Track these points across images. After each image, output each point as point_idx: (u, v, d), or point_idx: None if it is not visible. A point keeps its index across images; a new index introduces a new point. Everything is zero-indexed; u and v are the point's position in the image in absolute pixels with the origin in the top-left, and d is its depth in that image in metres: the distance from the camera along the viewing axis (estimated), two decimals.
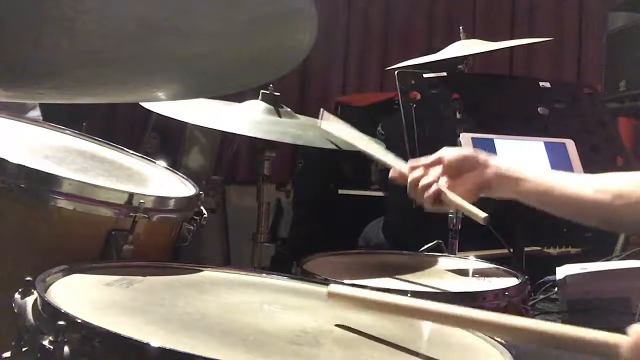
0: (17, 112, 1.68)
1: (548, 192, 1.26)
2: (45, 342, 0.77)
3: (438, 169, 1.30)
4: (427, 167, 1.31)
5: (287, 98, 1.81)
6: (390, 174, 1.37)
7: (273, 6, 0.96)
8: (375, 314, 1.02)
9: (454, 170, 1.29)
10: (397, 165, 1.38)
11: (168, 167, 1.63)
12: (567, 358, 1.08)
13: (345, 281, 1.36)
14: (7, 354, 0.85)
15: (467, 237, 2.06)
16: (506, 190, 1.29)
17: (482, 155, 1.31)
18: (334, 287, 1.01)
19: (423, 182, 1.28)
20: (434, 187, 1.27)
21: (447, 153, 1.31)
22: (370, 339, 0.94)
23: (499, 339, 0.96)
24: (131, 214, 1.24)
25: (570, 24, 4.50)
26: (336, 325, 0.98)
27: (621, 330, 0.78)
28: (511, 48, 4.22)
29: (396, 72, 2.12)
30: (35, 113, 2.40)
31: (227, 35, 0.97)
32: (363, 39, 4.52)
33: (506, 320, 0.85)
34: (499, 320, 0.86)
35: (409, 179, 1.31)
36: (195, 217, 1.43)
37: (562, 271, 1.89)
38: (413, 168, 1.32)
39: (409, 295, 1.33)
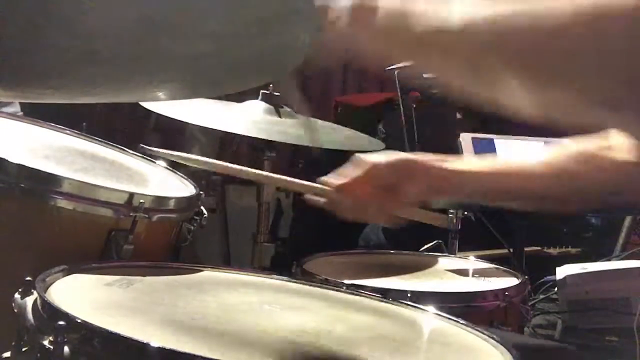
0: None
1: (523, 172, 1.19)
2: (45, 342, 0.77)
3: (367, 185, 1.18)
4: (355, 183, 1.19)
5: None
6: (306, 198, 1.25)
7: (273, 6, 0.96)
8: None
9: (388, 185, 1.18)
10: (318, 189, 1.26)
11: (168, 167, 1.63)
12: (567, 358, 1.08)
13: (345, 281, 1.36)
14: (7, 354, 0.85)
15: (467, 237, 2.06)
16: (462, 190, 1.20)
17: (414, 158, 1.21)
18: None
19: (371, 208, 1.19)
20: (384, 207, 1.18)
21: (373, 165, 1.18)
22: (370, 339, 0.94)
23: (497, 337, 0.96)
24: (131, 214, 1.24)
25: None
26: None
27: (621, 330, 0.78)
28: None
29: (396, 72, 2.12)
30: (12, 109, 2.37)
31: (227, 35, 0.97)
32: None
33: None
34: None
35: (344, 201, 1.20)
36: (195, 217, 1.43)
37: (562, 271, 1.89)
38: (342, 187, 1.20)
39: (409, 295, 1.34)
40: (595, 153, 1.16)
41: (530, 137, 2.01)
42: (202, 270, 1.24)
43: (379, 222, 1.23)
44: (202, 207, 1.45)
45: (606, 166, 1.14)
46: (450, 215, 2.05)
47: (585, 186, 1.17)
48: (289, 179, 1.33)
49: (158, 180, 1.53)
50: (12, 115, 1.61)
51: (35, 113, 1.77)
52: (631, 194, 1.16)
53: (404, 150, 1.94)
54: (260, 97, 1.74)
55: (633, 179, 1.12)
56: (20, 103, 2.37)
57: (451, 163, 1.18)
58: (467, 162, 1.21)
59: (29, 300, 0.89)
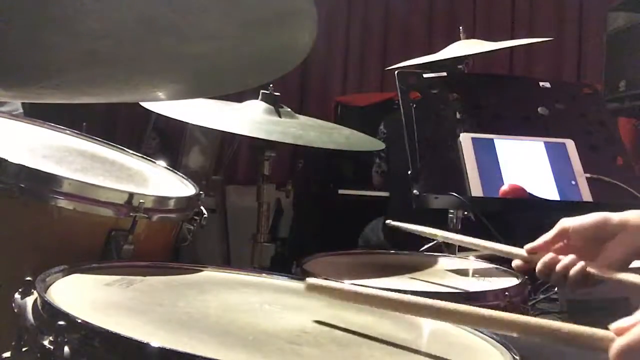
0: None
1: None
2: (45, 342, 0.77)
3: (565, 246, 1.14)
4: (550, 244, 1.16)
5: (287, 98, 1.81)
6: (514, 265, 1.24)
7: (273, 6, 0.96)
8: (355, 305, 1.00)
9: (589, 242, 1.13)
10: (514, 253, 1.24)
11: (168, 167, 1.63)
12: (568, 359, 1.08)
13: (345, 281, 1.36)
14: (7, 354, 0.85)
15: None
16: None
17: (613, 216, 1.13)
18: (312, 280, 1.00)
19: (560, 265, 1.11)
20: (578, 266, 1.09)
21: (571, 224, 1.14)
22: (370, 339, 0.94)
23: (497, 337, 0.96)
24: (131, 214, 1.24)
25: (570, 24, 4.50)
26: (315, 321, 0.97)
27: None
28: (511, 48, 4.23)
29: (396, 72, 2.12)
30: (9, 107, 2.36)
31: (227, 35, 0.97)
32: (363, 39, 4.52)
33: (486, 313, 0.85)
34: (478, 313, 0.85)
35: (539, 266, 1.15)
36: (195, 217, 1.43)
37: None
38: (534, 250, 1.17)
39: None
40: None
41: (530, 137, 2.01)
42: (202, 270, 1.24)
43: (576, 287, 1.09)
44: (202, 207, 1.45)
45: None
46: (450, 216, 2.05)
47: None
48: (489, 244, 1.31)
49: (158, 180, 1.53)
50: (12, 115, 1.61)
51: (35, 113, 1.77)
52: None
53: (404, 151, 1.94)
54: (260, 97, 1.74)
55: None
56: (22, 103, 2.36)
57: None
58: None
59: (29, 300, 0.89)
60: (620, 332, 0.79)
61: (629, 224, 1.10)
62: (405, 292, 1.36)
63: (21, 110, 2.40)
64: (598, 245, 1.12)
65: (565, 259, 1.11)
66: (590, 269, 1.09)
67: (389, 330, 0.99)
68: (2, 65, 0.94)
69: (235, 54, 1.03)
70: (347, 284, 1.02)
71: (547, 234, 1.16)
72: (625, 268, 1.09)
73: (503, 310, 1.44)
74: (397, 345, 0.93)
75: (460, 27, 2.73)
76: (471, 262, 1.82)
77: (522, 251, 1.20)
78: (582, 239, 1.12)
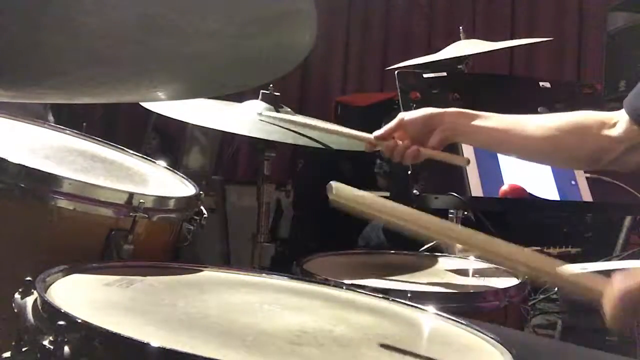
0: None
1: (508, 130, 1.39)
2: (45, 342, 0.77)
3: (404, 133, 1.44)
4: (393, 132, 1.45)
5: (287, 98, 1.80)
6: (365, 149, 1.50)
7: (273, 6, 0.96)
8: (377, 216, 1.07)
9: (418, 133, 1.43)
10: (362, 137, 1.50)
11: (168, 167, 1.63)
12: (567, 358, 1.08)
13: (345, 281, 1.36)
14: (7, 354, 0.85)
15: None
16: (469, 134, 1.43)
17: (438, 112, 1.44)
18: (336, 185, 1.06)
19: (399, 149, 1.43)
20: (412, 150, 1.42)
21: (407, 118, 1.44)
22: (370, 339, 0.94)
23: (497, 337, 0.96)
24: (131, 214, 1.24)
25: (570, 24, 4.50)
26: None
27: (621, 330, 0.79)
28: (511, 48, 4.22)
29: (396, 72, 2.12)
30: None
31: (227, 35, 0.97)
32: (363, 39, 4.51)
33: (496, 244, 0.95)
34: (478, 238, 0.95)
35: (384, 150, 1.45)
36: (195, 217, 1.43)
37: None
38: (380, 137, 1.46)
39: (409, 295, 1.34)
40: (590, 126, 1.34)
41: None
42: (202, 270, 1.24)
43: (410, 162, 1.44)
44: (202, 207, 1.45)
45: (594, 140, 1.33)
46: (450, 216, 2.05)
47: (570, 154, 1.38)
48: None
49: (158, 180, 1.53)
50: (12, 115, 1.61)
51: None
52: (612, 166, 1.36)
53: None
54: (260, 97, 1.74)
55: (617, 156, 1.32)
56: (53, 114, 2.35)
57: (465, 118, 1.42)
58: (482, 118, 1.42)
59: (29, 300, 0.89)
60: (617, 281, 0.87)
61: (444, 117, 1.43)
62: (405, 292, 1.37)
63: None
64: (426, 133, 1.42)
65: (402, 143, 1.43)
66: (421, 149, 1.42)
67: (389, 330, 0.99)
68: (2, 65, 0.93)
69: (235, 54, 1.02)
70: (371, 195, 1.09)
71: (388, 124, 1.45)
72: (443, 147, 1.44)
73: (503, 311, 1.45)
74: (397, 345, 0.93)
75: (460, 27, 2.73)
76: (471, 262, 1.82)
77: (370, 137, 1.47)
78: (415, 129, 1.43)
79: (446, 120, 1.42)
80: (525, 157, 1.48)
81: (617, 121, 1.32)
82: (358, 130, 1.64)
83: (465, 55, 2.56)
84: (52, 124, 1.63)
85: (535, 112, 2.14)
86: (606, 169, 1.45)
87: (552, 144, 1.37)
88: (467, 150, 1.91)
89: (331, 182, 1.02)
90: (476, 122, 1.41)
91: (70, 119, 1.95)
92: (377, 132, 1.46)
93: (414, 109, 2.00)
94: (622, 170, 1.41)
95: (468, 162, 1.49)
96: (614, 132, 1.32)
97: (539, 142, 1.37)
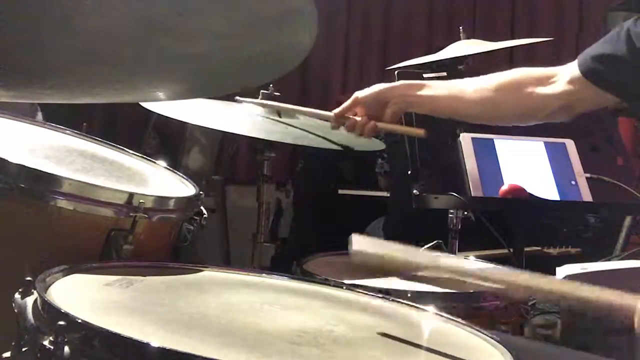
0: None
1: (450, 97, 1.49)
2: (45, 342, 0.78)
3: (361, 109, 1.51)
4: (350, 109, 1.51)
5: (287, 98, 1.80)
6: (330, 125, 1.56)
7: (273, 6, 0.96)
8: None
9: (373, 108, 1.50)
10: (324, 114, 1.58)
11: (168, 167, 1.63)
12: (568, 358, 1.08)
13: (345, 281, 1.36)
14: (7, 354, 0.85)
15: (467, 237, 2.06)
16: (418, 104, 1.51)
17: (388, 86, 1.52)
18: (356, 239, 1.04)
19: (358, 124, 1.50)
20: (370, 125, 1.49)
21: (361, 96, 1.51)
22: (370, 339, 0.94)
23: (497, 337, 0.96)
24: (131, 214, 1.24)
25: (570, 24, 4.50)
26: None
27: (621, 330, 0.79)
28: (511, 48, 4.22)
29: (396, 72, 2.12)
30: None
31: (227, 35, 0.97)
32: (363, 39, 4.51)
33: (529, 281, 0.89)
34: (517, 280, 0.90)
35: (346, 126, 1.52)
36: (195, 217, 1.43)
37: (562, 271, 1.89)
38: (339, 115, 1.52)
39: (409, 295, 1.34)
40: (526, 84, 1.42)
41: (530, 137, 2.01)
42: (202, 270, 1.24)
43: (370, 136, 1.54)
44: (202, 207, 1.45)
45: (529, 98, 1.41)
46: (450, 216, 2.05)
47: (506, 112, 1.47)
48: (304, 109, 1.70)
49: (158, 180, 1.53)
50: (12, 115, 1.60)
51: (53, 119, 1.76)
52: (544, 120, 1.46)
53: (404, 151, 1.94)
54: (260, 97, 1.74)
55: (550, 112, 1.41)
56: (42, 111, 2.34)
57: (412, 89, 1.50)
58: (428, 87, 1.49)
59: (29, 300, 0.89)
60: None
61: (394, 91, 1.50)
62: (405, 292, 1.37)
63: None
64: (380, 108, 1.49)
65: (361, 119, 1.50)
66: (378, 124, 1.49)
67: (389, 330, 0.99)
68: (2, 65, 0.93)
69: (235, 54, 1.02)
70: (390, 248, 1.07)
71: (344, 103, 1.52)
72: (397, 120, 1.54)
73: (503, 310, 1.45)
74: (397, 345, 0.93)
75: (460, 27, 2.73)
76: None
77: (331, 114, 1.54)
78: (369, 105, 1.50)
79: (396, 94, 1.50)
80: (468, 119, 1.59)
81: (557, 80, 1.39)
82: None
83: (465, 55, 2.56)
84: (52, 124, 1.63)
85: None
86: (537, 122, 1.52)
87: (490, 105, 1.46)
88: (468, 150, 1.92)
89: (352, 235, 1.04)
90: (422, 92, 1.48)
91: (56, 116, 1.94)
92: (336, 110, 1.53)
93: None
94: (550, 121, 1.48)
95: (425, 133, 1.54)
96: (551, 89, 1.39)
97: (477, 105, 1.46)
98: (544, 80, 1.41)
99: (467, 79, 1.51)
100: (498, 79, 1.46)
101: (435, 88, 1.49)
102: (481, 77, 1.50)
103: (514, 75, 1.45)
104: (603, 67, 1.31)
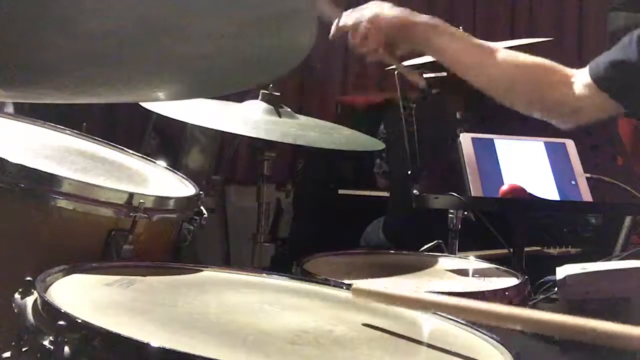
0: None
1: (473, 57, 1.46)
2: (45, 342, 0.78)
3: (376, 30, 1.42)
4: (364, 22, 1.42)
5: (287, 98, 1.80)
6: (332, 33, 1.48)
7: (273, 6, 0.96)
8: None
9: (391, 37, 1.44)
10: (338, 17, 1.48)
11: (168, 167, 1.63)
12: (568, 358, 1.08)
13: (345, 281, 1.36)
14: (7, 354, 0.85)
15: (467, 237, 2.06)
16: (438, 52, 1.48)
17: (412, 21, 1.45)
18: (358, 285, 1.05)
19: (370, 45, 1.44)
20: (379, 53, 1.45)
21: (383, 17, 1.43)
22: (370, 339, 0.94)
23: (497, 337, 0.96)
24: (131, 214, 1.24)
25: (570, 24, 4.50)
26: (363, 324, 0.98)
27: None
28: (511, 48, 4.22)
29: (396, 72, 2.12)
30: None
31: (227, 35, 0.97)
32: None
33: (530, 315, 0.87)
34: (523, 315, 0.88)
35: (352, 37, 1.45)
36: (195, 217, 1.43)
37: (562, 271, 1.89)
38: (351, 27, 1.44)
39: None
40: (550, 72, 1.41)
41: (530, 137, 2.01)
42: (202, 270, 1.24)
43: (371, 59, 1.48)
44: (202, 207, 1.45)
45: (546, 87, 1.41)
46: (450, 216, 2.05)
47: (517, 91, 1.45)
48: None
49: (158, 180, 1.53)
50: (12, 115, 1.61)
51: (35, 113, 1.77)
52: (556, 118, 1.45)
53: (404, 151, 1.94)
54: (260, 97, 1.74)
55: (563, 111, 1.40)
56: (14, 104, 2.34)
57: (437, 35, 1.47)
58: (452, 36, 1.48)
59: (29, 300, 0.89)
60: None
61: (417, 29, 1.45)
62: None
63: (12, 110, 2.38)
64: (398, 40, 1.44)
65: (376, 49, 1.43)
66: (387, 55, 1.45)
67: (389, 330, 0.99)
68: (2, 65, 0.93)
69: (235, 54, 1.02)
70: (391, 290, 1.08)
71: (362, 11, 1.44)
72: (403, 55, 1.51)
73: None
74: (397, 345, 0.93)
75: (460, 27, 2.73)
76: (471, 262, 1.82)
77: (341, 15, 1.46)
78: (389, 32, 1.42)
79: (419, 34, 1.45)
80: (480, 86, 1.50)
81: (575, 81, 1.38)
82: (358, 130, 1.64)
83: None
84: (52, 124, 1.63)
85: None
86: (551, 119, 1.47)
87: (508, 81, 1.42)
88: (468, 150, 1.92)
89: (353, 284, 1.06)
90: (446, 41, 1.45)
91: (70, 119, 1.94)
92: (344, 21, 1.45)
93: (414, 109, 2.00)
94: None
95: (423, 84, 1.57)
96: (572, 88, 1.38)
97: (498, 76, 1.43)
98: (566, 78, 1.40)
99: (495, 43, 1.48)
100: (526, 58, 1.43)
101: (461, 41, 1.45)
102: (509, 51, 1.47)
103: (542, 63, 1.43)
104: (613, 73, 1.30)
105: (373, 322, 1.03)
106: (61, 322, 0.77)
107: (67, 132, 1.64)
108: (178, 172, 1.60)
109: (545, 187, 1.92)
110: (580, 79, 1.37)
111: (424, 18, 1.48)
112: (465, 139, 1.92)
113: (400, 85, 2.09)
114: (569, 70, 1.41)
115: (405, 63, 2.57)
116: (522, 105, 1.49)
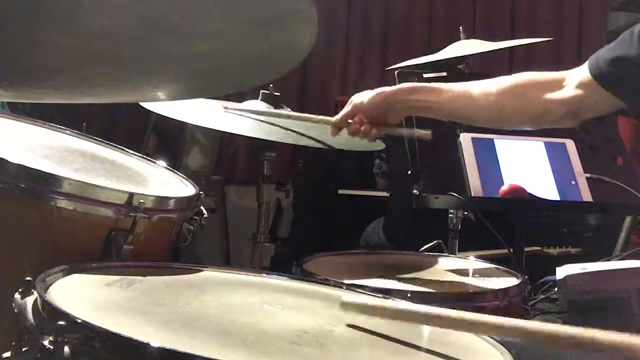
0: None
1: (456, 102, 1.46)
2: (45, 342, 0.77)
3: (362, 116, 1.48)
4: (349, 117, 1.50)
5: (287, 98, 1.80)
6: (330, 131, 1.54)
7: (273, 6, 0.96)
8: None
9: (374, 113, 1.48)
10: (325, 120, 1.57)
11: (168, 167, 1.63)
12: (568, 358, 1.08)
13: (345, 281, 1.36)
14: (7, 354, 0.85)
15: (467, 237, 2.06)
16: (423, 110, 1.49)
17: (390, 91, 1.48)
18: (347, 298, 1.04)
19: (362, 132, 1.48)
20: (373, 131, 1.49)
21: (359, 102, 1.49)
22: (370, 339, 0.94)
23: (497, 338, 0.96)
24: (131, 214, 1.24)
25: (570, 24, 4.50)
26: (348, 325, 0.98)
27: (621, 330, 0.78)
28: (511, 48, 4.22)
29: (396, 72, 2.12)
30: None
31: (227, 35, 0.97)
32: (363, 39, 4.51)
33: (525, 326, 0.86)
34: (515, 325, 0.87)
35: (348, 133, 1.51)
36: (195, 217, 1.43)
37: (562, 271, 1.89)
38: (339, 123, 1.51)
39: (409, 295, 1.34)
40: (533, 89, 1.41)
41: (530, 137, 2.01)
42: (202, 270, 1.24)
43: (372, 139, 1.52)
44: (202, 207, 1.45)
45: (536, 104, 1.40)
46: (450, 216, 2.05)
47: (513, 117, 1.45)
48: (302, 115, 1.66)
49: (158, 180, 1.53)
50: (13, 115, 1.61)
51: (35, 113, 1.77)
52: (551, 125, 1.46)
53: (404, 151, 1.94)
54: (260, 97, 1.74)
55: (556, 118, 1.40)
56: (9, 104, 2.34)
57: (417, 94, 1.47)
58: (431, 91, 1.47)
59: (29, 300, 0.89)
60: None
61: (397, 95, 1.47)
62: (405, 292, 1.36)
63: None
64: (383, 113, 1.48)
65: (364, 127, 1.48)
66: (383, 128, 1.50)
67: (389, 330, 0.99)
68: (2, 65, 0.94)
69: (235, 54, 1.03)
70: (380, 300, 1.08)
71: (343, 110, 1.51)
72: (398, 123, 1.54)
73: (503, 310, 1.44)
74: (397, 345, 0.93)
75: (460, 27, 2.73)
76: (471, 262, 1.82)
77: (331, 119, 1.53)
78: (371, 112, 1.48)
79: (399, 99, 1.47)
80: (472, 123, 1.60)
81: (566, 84, 1.37)
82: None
83: (465, 55, 2.56)
84: (52, 124, 1.63)
85: None
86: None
87: (495, 110, 1.44)
88: (468, 150, 1.92)
89: (343, 299, 1.04)
90: (425, 97, 1.46)
91: (70, 119, 1.94)
92: (335, 118, 1.52)
93: None
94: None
95: (430, 136, 1.56)
96: (560, 94, 1.37)
97: (482, 109, 1.45)
98: (552, 85, 1.39)
99: (470, 82, 1.48)
100: (503, 82, 1.44)
101: (439, 92, 1.47)
102: (485, 80, 1.48)
103: (519, 80, 1.43)
104: (615, 69, 1.29)
105: (373, 322, 1.03)
106: (61, 322, 0.77)
107: (67, 132, 1.64)
108: (178, 172, 1.60)
109: (545, 187, 1.92)
110: (577, 77, 1.36)
111: (400, 85, 1.53)
112: (465, 139, 1.92)
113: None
114: (553, 75, 1.41)
115: (406, 63, 2.58)
116: (522, 124, 1.52)
